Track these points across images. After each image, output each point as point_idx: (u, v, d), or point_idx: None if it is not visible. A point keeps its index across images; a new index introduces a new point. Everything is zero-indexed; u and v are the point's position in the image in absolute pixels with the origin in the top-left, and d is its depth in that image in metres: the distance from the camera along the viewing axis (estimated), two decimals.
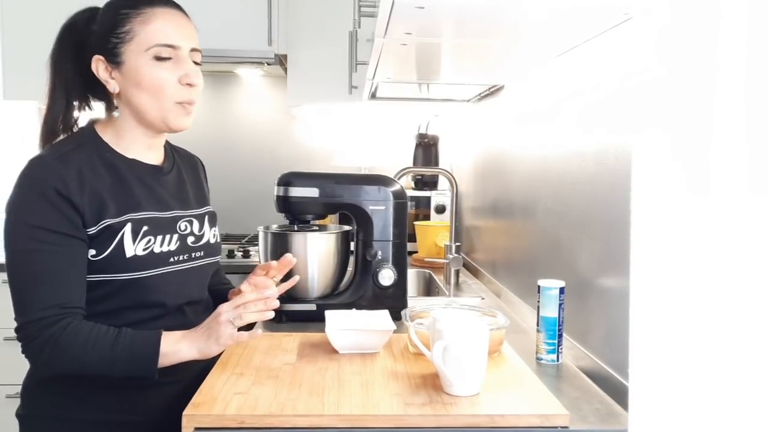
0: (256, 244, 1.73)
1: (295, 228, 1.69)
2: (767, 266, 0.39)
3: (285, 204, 1.67)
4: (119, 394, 1.16)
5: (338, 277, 1.70)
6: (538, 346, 1.38)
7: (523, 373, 1.21)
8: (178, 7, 1.22)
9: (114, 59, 1.17)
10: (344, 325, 1.35)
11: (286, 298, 1.66)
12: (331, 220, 2.59)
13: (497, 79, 2.03)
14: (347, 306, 1.62)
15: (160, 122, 1.19)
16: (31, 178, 1.12)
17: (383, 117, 3.15)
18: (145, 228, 1.17)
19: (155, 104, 1.17)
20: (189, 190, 1.32)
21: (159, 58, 1.16)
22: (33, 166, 1.13)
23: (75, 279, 1.12)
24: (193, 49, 1.20)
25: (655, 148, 0.46)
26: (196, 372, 1.21)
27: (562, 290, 1.35)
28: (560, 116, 1.55)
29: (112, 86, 1.18)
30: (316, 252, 1.65)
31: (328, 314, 1.40)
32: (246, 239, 2.95)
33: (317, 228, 1.72)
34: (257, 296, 1.15)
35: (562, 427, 1.02)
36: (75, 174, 1.12)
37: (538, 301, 1.37)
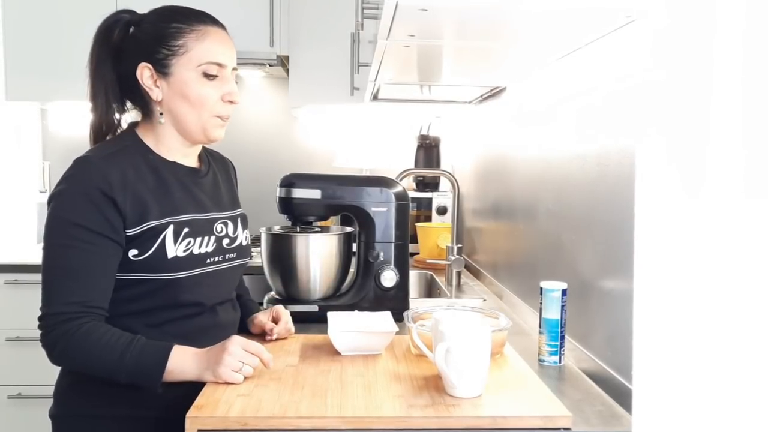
0: (258, 245, 1.73)
1: (297, 229, 1.70)
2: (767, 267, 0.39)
3: (287, 205, 1.67)
4: (148, 390, 1.17)
5: (340, 278, 1.71)
6: (540, 348, 1.38)
7: (526, 375, 1.21)
8: (224, 27, 1.28)
9: (162, 69, 1.21)
10: (346, 327, 1.35)
11: (288, 299, 1.67)
12: (333, 221, 2.59)
13: (499, 80, 2.03)
14: (349, 307, 1.63)
15: (199, 132, 1.25)
16: (77, 176, 1.15)
17: (385, 118, 3.15)
18: (186, 230, 1.21)
19: (196, 116, 1.23)
20: (223, 193, 1.37)
21: (207, 75, 1.22)
22: (79, 165, 1.16)
23: (102, 279, 1.16)
24: (234, 68, 1.27)
25: (656, 150, 0.46)
26: None
27: (564, 292, 1.35)
28: (562, 118, 1.55)
29: (156, 94, 1.22)
30: (318, 253, 1.65)
31: (330, 316, 1.40)
32: None
33: (319, 229, 1.72)
34: (267, 359, 1.17)
35: (564, 429, 1.02)
36: (119, 175, 1.17)
37: (540, 303, 1.37)
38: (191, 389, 1.11)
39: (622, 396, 1.15)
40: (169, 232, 1.19)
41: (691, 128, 0.43)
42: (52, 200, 1.16)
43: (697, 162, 0.42)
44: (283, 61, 2.82)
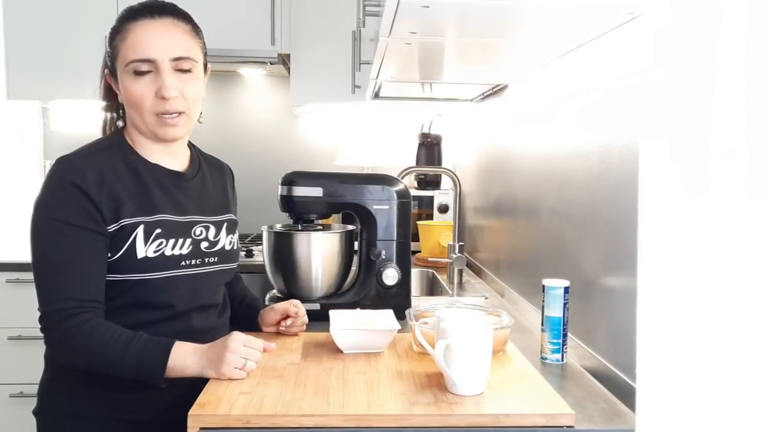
0: (260, 244, 1.73)
1: (299, 227, 1.70)
2: None
3: (289, 203, 1.67)
4: (132, 393, 1.18)
5: (342, 276, 1.70)
6: (542, 346, 1.38)
7: (528, 373, 1.21)
8: (167, 14, 1.22)
9: (114, 74, 1.24)
10: (348, 325, 1.35)
11: (290, 297, 1.66)
12: (335, 219, 2.59)
13: (501, 78, 2.02)
14: (351, 305, 1.62)
15: (149, 133, 1.24)
16: (55, 175, 1.17)
17: (386, 116, 3.15)
18: (157, 230, 1.20)
19: (139, 117, 1.22)
20: (211, 198, 1.35)
21: (137, 73, 1.19)
22: (57, 164, 1.18)
23: (94, 272, 1.16)
24: (178, 58, 1.20)
25: (658, 148, 0.46)
26: None
27: (566, 290, 1.35)
28: (564, 115, 1.54)
29: (120, 98, 1.25)
30: (320, 251, 1.65)
31: (333, 314, 1.40)
32: (249, 239, 2.95)
33: (321, 227, 1.72)
34: (269, 347, 1.25)
35: (567, 427, 1.02)
36: (96, 172, 1.17)
37: (543, 301, 1.37)
38: (175, 396, 1.12)
39: (625, 394, 1.15)
40: (140, 231, 1.18)
41: (694, 126, 0.42)
42: (35, 201, 1.17)
43: (700, 160, 0.42)
44: (285, 60, 2.82)
